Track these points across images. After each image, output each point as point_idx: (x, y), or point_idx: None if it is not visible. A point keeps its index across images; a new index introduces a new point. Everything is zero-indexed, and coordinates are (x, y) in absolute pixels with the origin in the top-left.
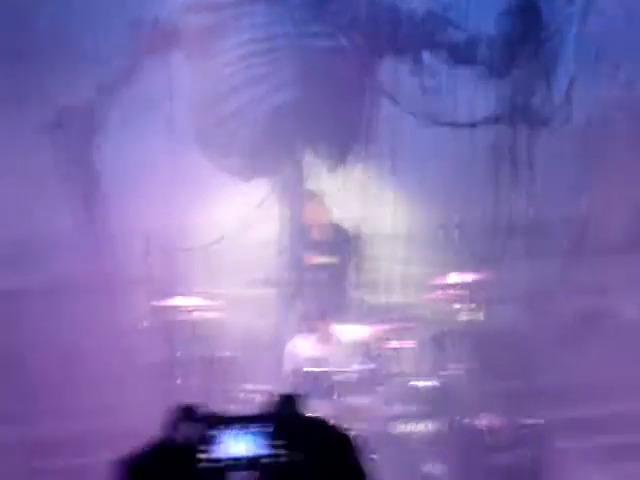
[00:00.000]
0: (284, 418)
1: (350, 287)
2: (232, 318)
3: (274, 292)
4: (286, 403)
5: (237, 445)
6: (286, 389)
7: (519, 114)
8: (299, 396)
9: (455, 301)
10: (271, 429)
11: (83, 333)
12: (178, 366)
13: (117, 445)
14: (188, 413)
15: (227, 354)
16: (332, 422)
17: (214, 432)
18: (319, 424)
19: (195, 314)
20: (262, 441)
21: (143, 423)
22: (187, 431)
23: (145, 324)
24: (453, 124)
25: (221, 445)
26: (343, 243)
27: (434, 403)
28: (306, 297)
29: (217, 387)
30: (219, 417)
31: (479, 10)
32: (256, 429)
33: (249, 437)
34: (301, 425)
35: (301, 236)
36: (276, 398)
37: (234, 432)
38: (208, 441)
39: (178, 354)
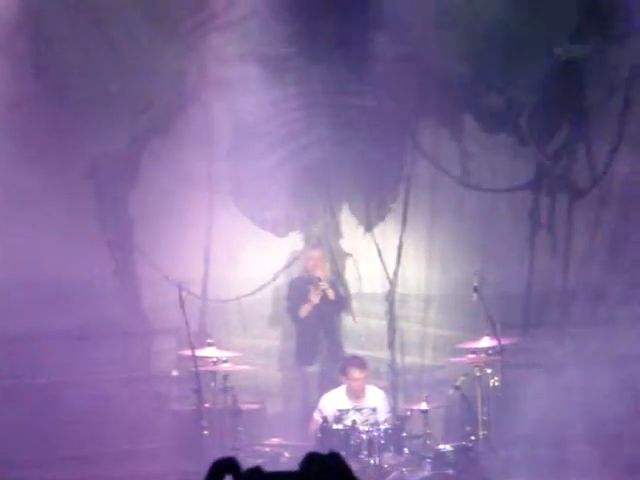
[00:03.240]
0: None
1: (382, 345)
2: (262, 370)
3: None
4: (314, 462)
5: None
6: (313, 444)
7: (557, 182)
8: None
9: (485, 365)
10: None
11: (112, 378)
12: (206, 417)
13: None
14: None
15: (255, 406)
16: None
17: None
18: None
19: (225, 365)
20: None
21: (167, 471)
22: None
23: (175, 373)
24: (491, 189)
25: None
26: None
27: (460, 466)
28: (334, 351)
29: (244, 440)
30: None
31: (522, 75)
32: None
33: None
34: None
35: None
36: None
37: None
38: None
39: (207, 405)
